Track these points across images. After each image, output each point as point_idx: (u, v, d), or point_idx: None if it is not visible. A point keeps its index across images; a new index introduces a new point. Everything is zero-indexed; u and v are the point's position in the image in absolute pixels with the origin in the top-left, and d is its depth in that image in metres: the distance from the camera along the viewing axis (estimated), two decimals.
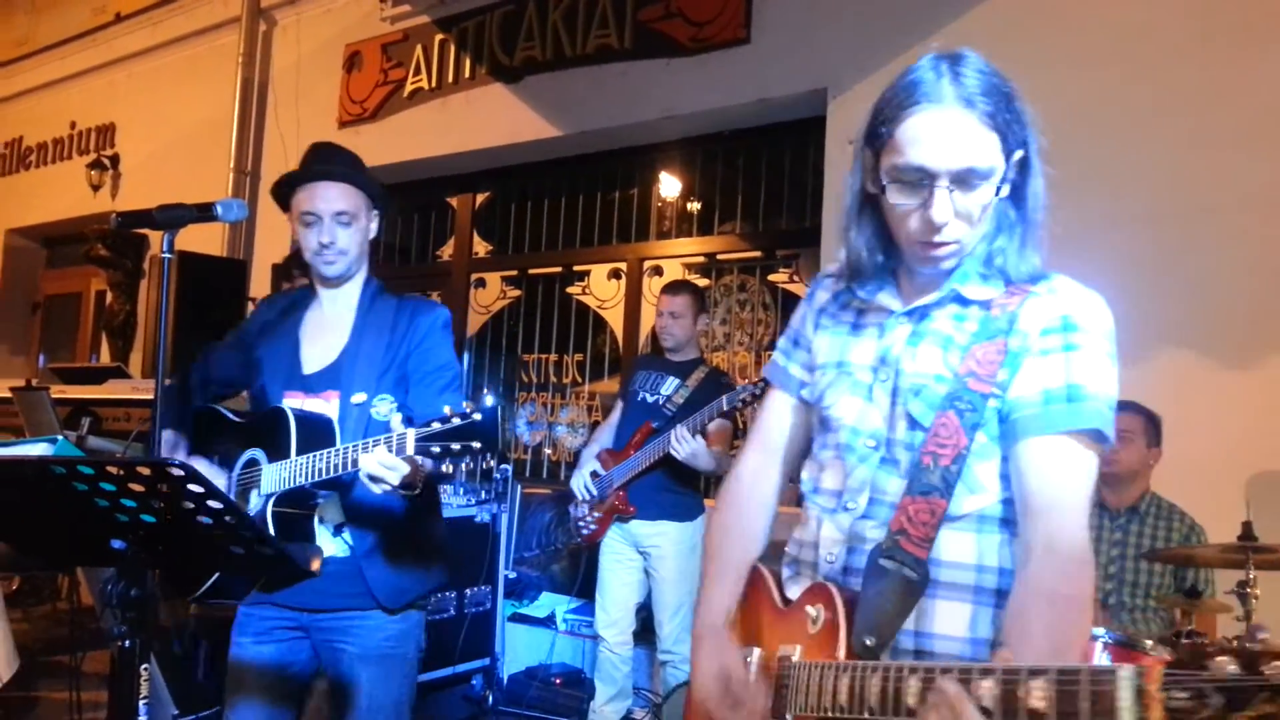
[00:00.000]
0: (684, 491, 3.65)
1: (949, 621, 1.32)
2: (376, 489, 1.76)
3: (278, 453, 1.94)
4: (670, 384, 3.70)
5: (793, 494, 1.59)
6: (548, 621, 4.53)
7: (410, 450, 1.68)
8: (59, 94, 8.02)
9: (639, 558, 3.67)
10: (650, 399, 3.72)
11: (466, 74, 5.45)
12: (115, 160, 7.41)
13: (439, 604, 4.07)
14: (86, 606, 4.66)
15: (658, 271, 5.09)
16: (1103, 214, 3.24)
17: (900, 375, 1.37)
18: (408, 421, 1.76)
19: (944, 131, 1.24)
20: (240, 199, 1.97)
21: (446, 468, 1.72)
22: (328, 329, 2.15)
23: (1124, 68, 3.48)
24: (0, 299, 8.38)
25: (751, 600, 1.53)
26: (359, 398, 2.03)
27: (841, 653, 1.26)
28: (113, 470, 1.30)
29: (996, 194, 1.27)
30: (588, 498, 3.74)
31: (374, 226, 2.18)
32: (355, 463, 1.75)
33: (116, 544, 1.44)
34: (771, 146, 4.77)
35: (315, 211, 2.07)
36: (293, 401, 2.07)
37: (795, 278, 4.73)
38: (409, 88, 5.68)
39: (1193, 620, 2.61)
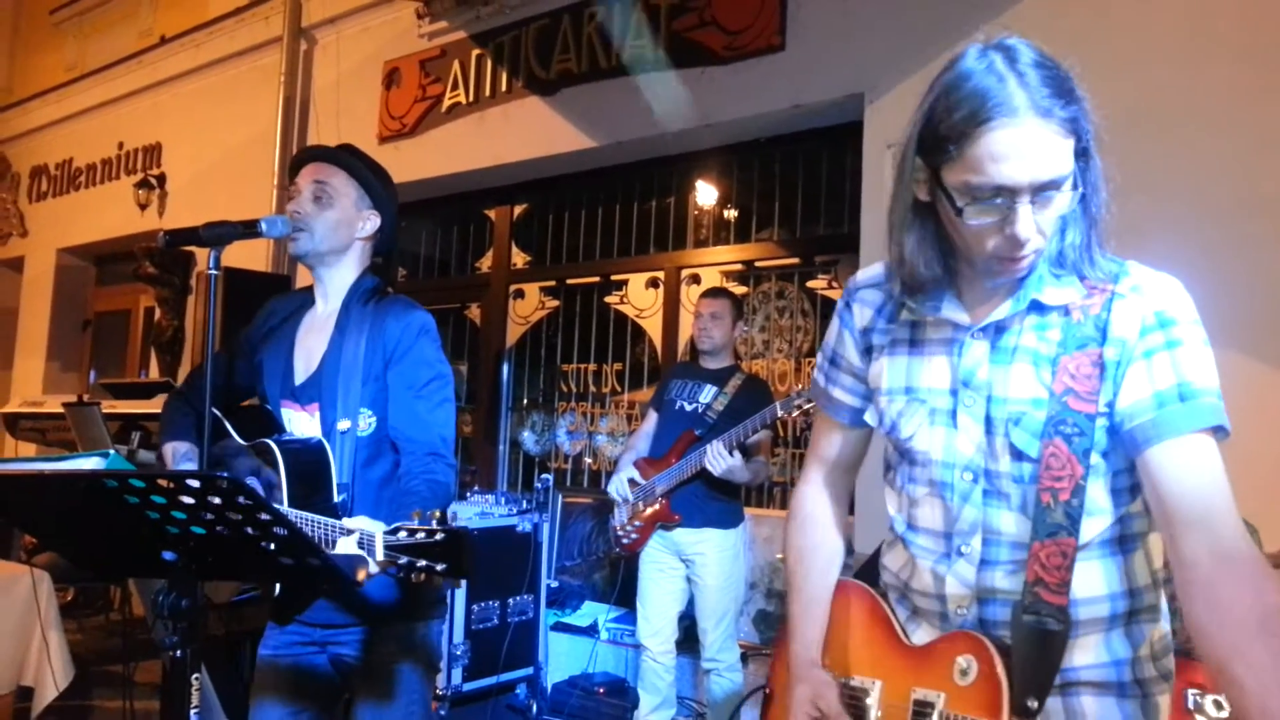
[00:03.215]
0: (727, 499, 3.64)
1: (1086, 653, 1.29)
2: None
3: (272, 495, 1.87)
4: (708, 392, 3.69)
5: None
6: (590, 630, 4.53)
7: (379, 555, 1.56)
8: (107, 116, 8.20)
9: (681, 566, 3.66)
10: (689, 407, 3.71)
11: (503, 88, 5.49)
12: (162, 179, 7.54)
13: (482, 613, 4.09)
14: (138, 617, 4.76)
15: (695, 280, 5.09)
16: (1158, 213, 3.18)
17: (994, 402, 1.28)
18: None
19: (1025, 149, 1.14)
20: (284, 215, 1.97)
21: (416, 576, 1.56)
22: (316, 332, 2.07)
23: (1170, 66, 3.41)
24: (52, 316, 8.58)
25: (858, 625, 1.47)
26: (344, 425, 1.94)
27: (1005, 713, 1.22)
28: (163, 483, 1.32)
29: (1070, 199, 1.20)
30: (621, 500, 3.74)
31: (367, 226, 2.06)
32: (333, 544, 1.63)
33: (167, 555, 1.46)
34: (808, 153, 4.75)
35: (298, 183, 2.04)
36: (287, 412, 2.04)
37: (834, 284, 4.69)
38: (447, 102, 5.73)
39: None
